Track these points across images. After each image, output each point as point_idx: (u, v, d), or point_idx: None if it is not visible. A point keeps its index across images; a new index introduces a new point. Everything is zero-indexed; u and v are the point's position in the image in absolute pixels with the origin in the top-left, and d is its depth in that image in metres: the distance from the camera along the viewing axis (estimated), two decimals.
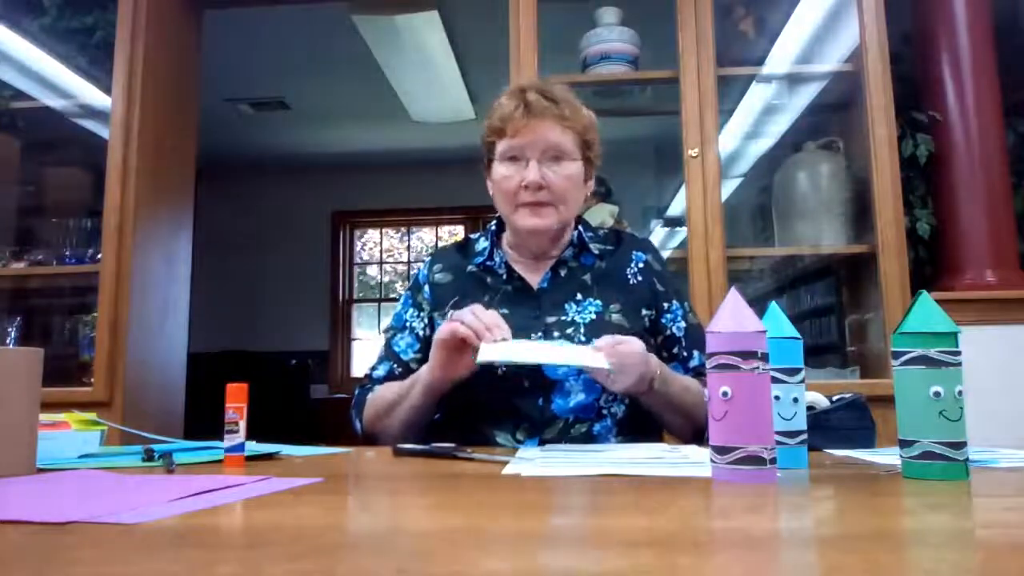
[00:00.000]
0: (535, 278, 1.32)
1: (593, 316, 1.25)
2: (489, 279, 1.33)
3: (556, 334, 1.23)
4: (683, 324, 1.32)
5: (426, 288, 1.36)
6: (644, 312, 1.30)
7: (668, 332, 1.31)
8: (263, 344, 5.87)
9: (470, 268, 1.35)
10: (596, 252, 1.33)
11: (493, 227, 1.37)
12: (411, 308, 1.37)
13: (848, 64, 2.31)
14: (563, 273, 1.31)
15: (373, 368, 1.37)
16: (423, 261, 1.43)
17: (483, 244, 1.37)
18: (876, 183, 2.17)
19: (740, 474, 0.69)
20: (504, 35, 2.28)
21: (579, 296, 1.28)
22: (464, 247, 1.40)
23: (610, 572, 0.39)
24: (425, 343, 1.31)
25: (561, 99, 1.25)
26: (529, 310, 1.27)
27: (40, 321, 2.60)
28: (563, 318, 1.25)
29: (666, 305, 1.32)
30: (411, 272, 6.61)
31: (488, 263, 1.34)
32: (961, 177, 2.39)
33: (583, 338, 1.22)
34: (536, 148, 1.23)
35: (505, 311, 1.26)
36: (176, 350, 2.66)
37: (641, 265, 1.34)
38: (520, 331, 1.23)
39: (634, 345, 1.10)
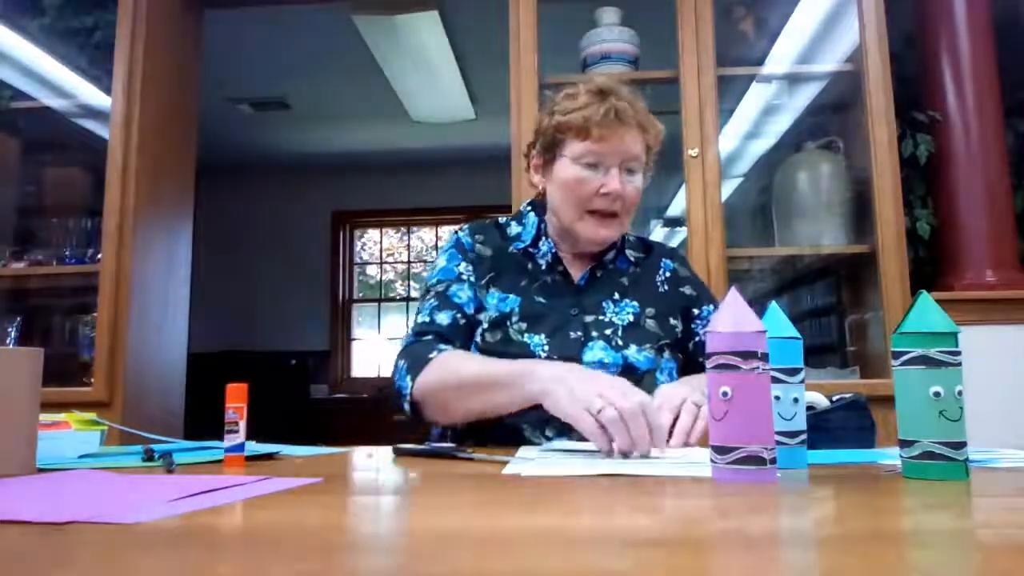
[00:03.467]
0: (575, 273, 1.32)
1: (631, 318, 1.26)
2: (530, 265, 1.32)
3: (594, 334, 1.24)
4: None
5: (471, 252, 1.32)
6: (672, 321, 1.31)
7: (700, 337, 1.30)
8: (263, 344, 5.87)
9: (511, 249, 1.33)
10: (632, 259, 1.35)
11: (533, 215, 1.36)
12: (462, 262, 1.30)
13: (848, 64, 2.31)
14: (599, 274, 1.32)
15: (430, 316, 1.24)
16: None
17: (517, 229, 1.35)
18: (876, 183, 2.17)
19: (740, 474, 0.69)
20: (504, 35, 2.28)
21: (616, 296, 1.29)
22: (499, 227, 1.37)
23: (610, 572, 0.39)
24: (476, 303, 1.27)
25: (639, 106, 1.25)
26: (568, 305, 1.27)
27: (40, 321, 2.60)
28: (601, 318, 1.26)
29: (696, 311, 1.33)
30: (411, 272, 6.60)
31: (532, 249, 1.32)
32: (961, 177, 2.39)
33: (620, 341, 1.23)
34: (617, 156, 1.23)
35: (542, 300, 1.26)
36: (176, 350, 2.66)
37: (668, 274, 1.35)
38: (558, 328, 1.23)
39: (674, 399, 1.04)
